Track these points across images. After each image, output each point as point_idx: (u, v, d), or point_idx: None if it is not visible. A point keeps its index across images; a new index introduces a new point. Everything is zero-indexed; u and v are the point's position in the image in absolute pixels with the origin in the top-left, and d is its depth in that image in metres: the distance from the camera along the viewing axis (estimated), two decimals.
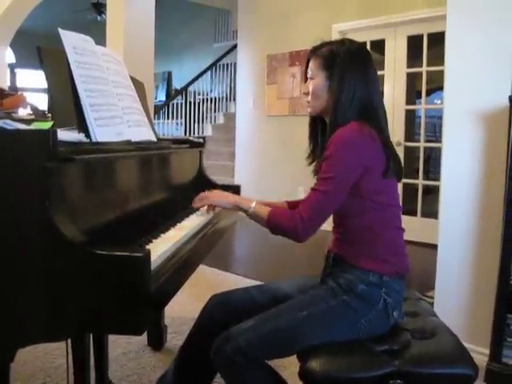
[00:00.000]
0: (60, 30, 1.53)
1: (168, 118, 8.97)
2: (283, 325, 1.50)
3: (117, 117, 1.67)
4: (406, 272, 1.61)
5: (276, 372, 1.59)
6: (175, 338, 2.68)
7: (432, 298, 2.56)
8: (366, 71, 1.62)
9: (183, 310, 3.05)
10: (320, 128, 1.74)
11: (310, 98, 1.68)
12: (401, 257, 1.62)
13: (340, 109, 1.57)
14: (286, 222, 1.55)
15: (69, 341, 1.64)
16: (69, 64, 1.50)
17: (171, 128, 9.01)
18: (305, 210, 1.53)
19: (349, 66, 1.60)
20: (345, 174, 1.51)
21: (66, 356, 1.63)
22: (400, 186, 1.68)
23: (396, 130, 5.38)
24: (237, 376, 1.49)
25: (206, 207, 1.88)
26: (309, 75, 1.69)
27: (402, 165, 1.65)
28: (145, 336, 2.60)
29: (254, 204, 1.67)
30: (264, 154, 6.72)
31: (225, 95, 8.90)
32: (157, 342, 2.58)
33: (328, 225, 1.63)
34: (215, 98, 8.92)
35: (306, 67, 1.72)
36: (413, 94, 5.93)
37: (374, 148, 1.53)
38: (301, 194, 4.88)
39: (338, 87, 1.58)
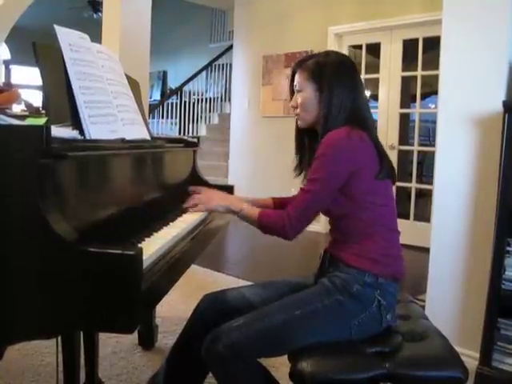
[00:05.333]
0: (56, 27, 1.52)
1: (163, 118, 8.95)
2: (276, 323, 1.50)
3: (111, 114, 1.67)
4: (400, 276, 1.62)
5: (267, 370, 1.59)
6: (166, 338, 2.68)
7: (423, 301, 2.57)
8: (353, 80, 1.66)
9: (175, 309, 3.04)
10: (307, 140, 1.76)
11: (299, 110, 1.70)
12: (395, 259, 1.62)
13: (331, 119, 1.60)
14: (275, 222, 1.60)
15: (59, 339, 1.63)
16: (64, 61, 1.50)
17: (166, 127, 8.99)
18: (292, 210, 1.57)
19: (336, 76, 1.63)
20: (332, 176, 1.54)
21: (55, 354, 1.62)
22: (393, 189, 1.69)
23: (390, 134, 5.41)
24: (228, 373, 1.48)
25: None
26: (296, 88, 1.71)
27: (394, 166, 1.67)
28: (135, 335, 2.59)
29: (244, 206, 1.70)
30: (258, 154, 6.72)
31: (220, 95, 8.89)
32: (148, 341, 2.57)
33: (320, 227, 1.63)
34: (210, 98, 8.91)
35: (292, 80, 1.74)
36: (407, 98, 5.95)
37: (363, 150, 1.55)
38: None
39: (328, 98, 1.61)
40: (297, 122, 1.76)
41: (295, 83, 1.71)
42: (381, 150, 1.60)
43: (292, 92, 1.75)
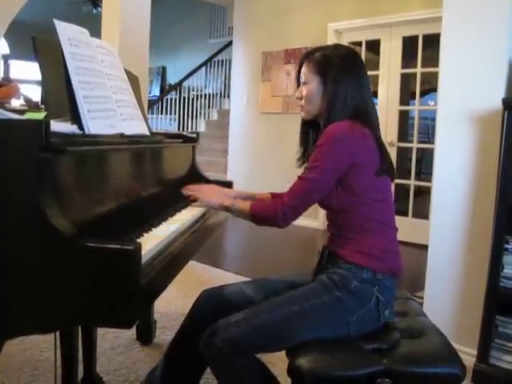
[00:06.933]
0: (55, 21, 1.52)
1: (162, 113, 8.94)
2: (275, 319, 1.50)
3: (110, 109, 1.66)
4: (398, 271, 1.62)
5: (265, 366, 1.60)
6: (164, 333, 2.68)
7: (422, 298, 2.57)
8: (359, 75, 1.66)
9: (173, 305, 3.05)
10: (311, 132, 1.77)
11: (303, 102, 1.70)
12: (393, 255, 1.63)
13: (334, 112, 1.60)
14: (267, 210, 1.61)
15: (57, 334, 1.63)
16: (63, 55, 1.50)
17: (165, 123, 8.98)
18: (287, 195, 1.58)
19: (342, 70, 1.63)
20: (330, 166, 1.54)
21: (54, 349, 1.62)
22: (392, 186, 1.69)
23: (389, 131, 5.40)
24: (226, 368, 1.48)
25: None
26: (302, 80, 1.71)
27: (393, 164, 1.68)
28: (134, 331, 2.59)
29: (234, 201, 1.74)
30: (257, 151, 6.72)
31: (219, 91, 8.87)
32: (146, 336, 2.57)
33: (318, 223, 1.64)
34: (209, 94, 8.90)
35: (299, 72, 1.74)
36: (407, 95, 5.94)
37: (363, 145, 1.56)
38: None
39: (333, 91, 1.61)
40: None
41: (301, 75, 1.71)
42: (382, 147, 1.60)
43: (298, 83, 1.75)
